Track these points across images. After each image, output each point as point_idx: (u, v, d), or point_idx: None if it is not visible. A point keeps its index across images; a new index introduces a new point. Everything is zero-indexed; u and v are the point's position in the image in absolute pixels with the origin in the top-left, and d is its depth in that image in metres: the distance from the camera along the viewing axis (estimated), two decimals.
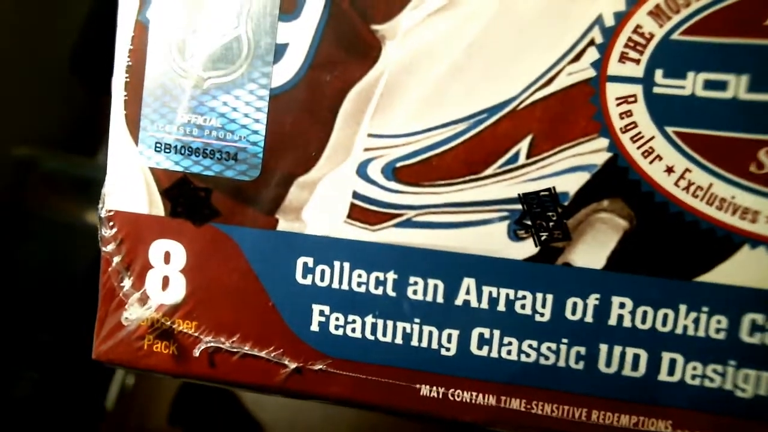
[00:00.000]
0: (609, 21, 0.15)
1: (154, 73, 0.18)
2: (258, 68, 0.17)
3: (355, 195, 0.17)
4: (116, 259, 0.18)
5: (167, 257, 0.18)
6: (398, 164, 0.17)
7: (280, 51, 0.17)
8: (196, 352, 0.18)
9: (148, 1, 0.17)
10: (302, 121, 0.17)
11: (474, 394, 0.17)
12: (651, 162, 0.16)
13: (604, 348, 0.16)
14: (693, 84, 0.15)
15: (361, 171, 0.17)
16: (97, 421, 0.34)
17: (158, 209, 0.18)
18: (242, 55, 0.17)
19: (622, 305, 0.16)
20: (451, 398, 0.17)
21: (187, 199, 0.18)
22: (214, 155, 0.18)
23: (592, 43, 0.16)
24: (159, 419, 0.35)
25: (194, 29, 0.17)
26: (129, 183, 0.18)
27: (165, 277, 0.18)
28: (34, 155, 0.35)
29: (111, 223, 0.18)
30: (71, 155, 0.36)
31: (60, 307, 0.34)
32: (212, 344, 0.18)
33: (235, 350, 0.18)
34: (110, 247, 0.18)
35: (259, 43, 0.17)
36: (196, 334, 0.18)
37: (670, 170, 0.16)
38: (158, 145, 0.18)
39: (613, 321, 0.16)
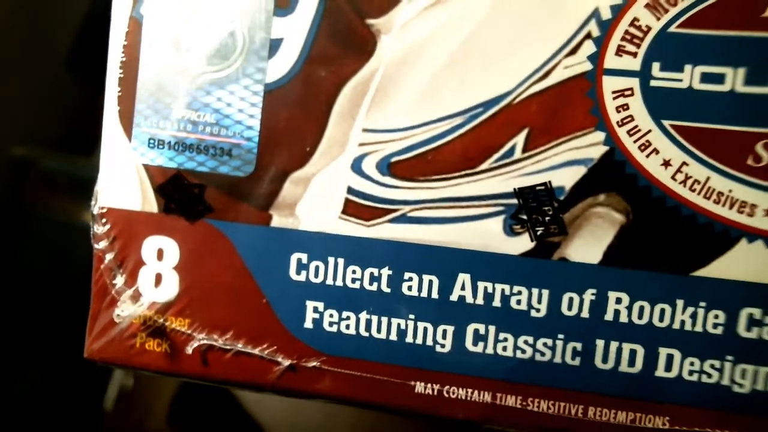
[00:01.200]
0: (606, 14, 0.15)
1: (148, 69, 0.18)
2: (253, 63, 0.17)
3: (350, 190, 0.17)
4: (109, 256, 0.18)
5: (160, 254, 0.18)
6: (393, 159, 0.17)
7: (274, 46, 0.17)
8: (189, 350, 0.18)
9: None
10: (297, 117, 0.17)
11: (469, 391, 0.17)
12: (648, 156, 0.16)
13: (600, 344, 0.16)
14: (690, 77, 0.15)
15: (356, 166, 0.17)
16: (96, 422, 0.34)
17: (151, 206, 0.18)
18: (237, 51, 0.17)
19: (618, 300, 0.16)
20: (446, 395, 0.17)
21: (180, 195, 0.18)
22: (208, 151, 0.17)
23: (588, 36, 0.16)
24: (158, 420, 0.34)
25: (188, 25, 0.17)
26: (122, 179, 0.18)
27: (158, 274, 0.18)
28: (33, 155, 0.34)
29: (104, 220, 0.18)
30: (70, 155, 0.35)
31: (59, 307, 0.34)
32: (205, 342, 0.18)
33: (228, 348, 0.18)
34: (103, 244, 0.18)
35: (254, 38, 0.17)
36: (189, 332, 0.18)
37: (667, 164, 0.15)
38: (152, 141, 0.18)
39: (609, 316, 0.16)
